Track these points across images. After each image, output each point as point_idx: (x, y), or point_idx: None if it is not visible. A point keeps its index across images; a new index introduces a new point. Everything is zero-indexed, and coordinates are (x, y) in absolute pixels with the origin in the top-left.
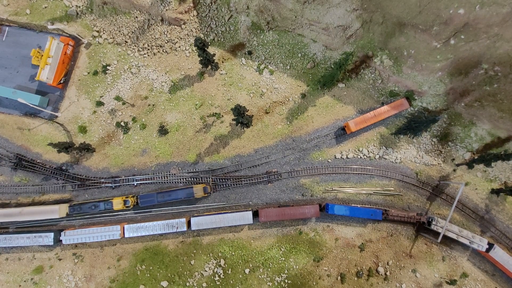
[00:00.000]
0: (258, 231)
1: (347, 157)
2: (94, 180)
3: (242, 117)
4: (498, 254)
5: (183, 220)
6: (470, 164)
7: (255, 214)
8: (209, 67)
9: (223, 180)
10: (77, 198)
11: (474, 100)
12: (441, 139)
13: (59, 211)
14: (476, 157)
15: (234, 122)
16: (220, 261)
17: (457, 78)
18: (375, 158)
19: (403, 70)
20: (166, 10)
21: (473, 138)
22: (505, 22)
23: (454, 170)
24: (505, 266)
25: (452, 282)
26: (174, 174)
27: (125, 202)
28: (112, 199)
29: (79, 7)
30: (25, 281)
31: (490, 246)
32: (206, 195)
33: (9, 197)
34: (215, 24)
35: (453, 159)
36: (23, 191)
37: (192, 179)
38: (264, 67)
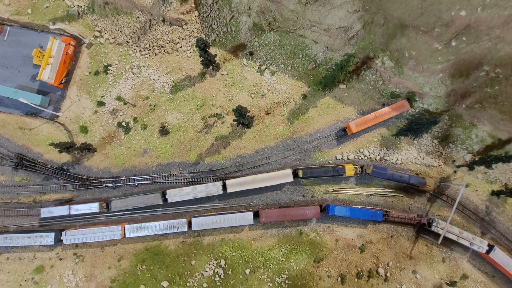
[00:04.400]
0: (259, 231)
1: (348, 158)
2: (95, 180)
3: (243, 117)
4: (498, 255)
5: (184, 220)
6: (470, 166)
7: (256, 215)
8: (211, 67)
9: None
10: (77, 198)
11: (475, 102)
12: (442, 140)
13: (291, 175)
14: (476, 159)
15: (235, 122)
16: (220, 262)
17: (458, 80)
18: (376, 159)
19: (404, 71)
20: (168, 10)
21: (474, 140)
22: (507, 24)
23: (455, 172)
24: (505, 267)
25: (452, 283)
26: (175, 174)
27: (355, 169)
28: (345, 165)
29: (81, 7)
30: (25, 280)
31: (490, 247)
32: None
33: (10, 196)
34: (217, 24)
35: (454, 161)
36: (24, 190)
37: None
38: (265, 68)
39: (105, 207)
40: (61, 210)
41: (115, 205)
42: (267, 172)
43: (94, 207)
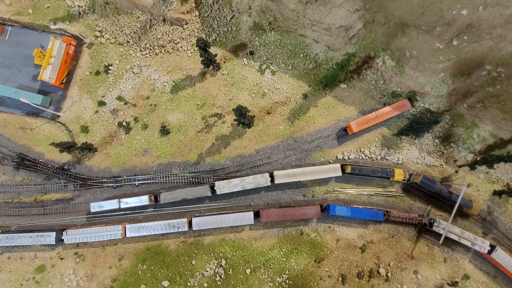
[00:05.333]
0: (259, 231)
1: (348, 158)
2: (96, 179)
3: (243, 117)
4: (500, 256)
5: (185, 220)
6: (472, 166)
7: (256, 215)
8: (211, 67)
9: None
10: (78, 198)
11: (476, 101)
12: (443, 140)
13: (339, 169)
14: (478, 159)
15: (236, 122)
16: (221, 261)
17: (460, 79)
18: (376, 159)
19: (406, 71)
20: (168, 10)
21: (475, 140)
22: (509, 24)
23: (456, 172)
24: (507, 268)
25: (454, 283)
26: (176, 174)
27: (404, 175)
28: (395, 169)
29: (82, 7)
30: (27, 280)
31: (492, 248)
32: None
33: (11, 196)
34: (217, 24)
35: (455, 161)
36: (25, 190)
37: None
38: (266, 68)
39: (153, 200)
40: (111, 204)
41: (164, 197)
42: (316, 165)
43: (144, 200)
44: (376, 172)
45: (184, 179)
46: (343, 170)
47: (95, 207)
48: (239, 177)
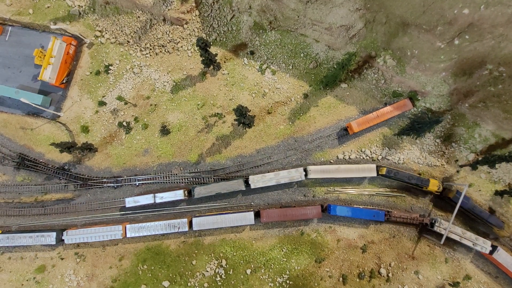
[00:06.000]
0: (260, 231)
1: (349, 158)
2: (96, 179)
3: (244, 117)
4: (502, 256)
5: (185, 220)
6: (473, 166)
7: (257, 215)
8: (211, 67)
9: None
10: (79, 198)
11: (478, 101)
12: (445, 140)
13: (375, 170)
14: (480, 158)
15: (236, 122)
16: (221, 262)
17: (461, 79)
18: (377, 159)
19: (407, 70)
20: (168, 10)
21: (477, 139)
22: (510, 22)
23: (458, 171)
24: (508, 268)
25: (455, 284)
26: (176, 174)
27: (439, 186)
28: (431, 179)
29: (82, 6)
30: (27, 280)
31: (494, 248)
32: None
33: (12, 196)
34: (217, 24)
35: (457, 160)
36: (26, 190)
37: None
38: (266, 67)
39: (187, 195)
40: (146, 199)
41: (199, 192)
42: (351, 163)
43: (179, 194)
44: (411, 178)
45: (185, 179)
46: (377, 172)
47: (130, 202)
48: (239, 177)
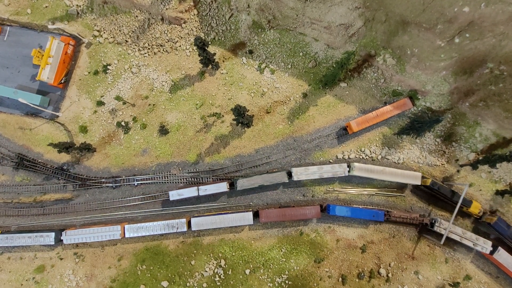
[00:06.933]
0: (259, 231)
1: (349, 158)
2: (95, 180)
3: (242, 117)
4: (503, 256)
5: (184, 220)
6: (474, 165)
7: (256, 215)
8: (210, 66)
9: None
10: (77, 198)
11: (479, 100)
12: (445, 139)
13: (419, 179)
14: (480, 158)
15: (235, 122)
16: (220, 262)
17: (462, 77)
18: (377, 158)
19: (407, 69)
20: (166, 9)
21: (477, 139)
22: (511, 21)
23: (458, 171)
24: (509, 268)
25: (455, 284)
26: (175, 174)
27: (480, 211)
28: (474, 201)
29: (80, 6)
30: (27, 280)
31: (494, 248)
32: None
33: (10, 196)
34: (216, 23)
35: (457, 160)
36: (25, 190)
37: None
38: (265, 67)
39: (229, 187)
40: (190, 192)
41: (242, 184)
42: (398, 168)
43: (222, 187)
44: (454, 195)
45: (184, 179)
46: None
47: (174, 195)
48: (241, 177)
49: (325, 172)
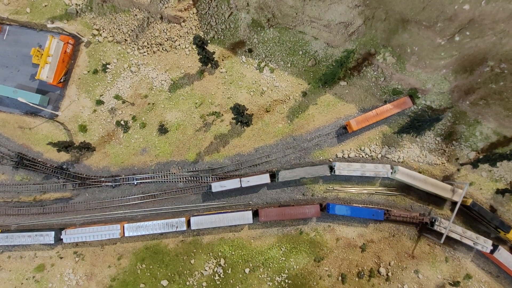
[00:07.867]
0: (258, 230)
1: (348, 156)
2: (95, 179)
3: (241, 116)
4: (503, 255)
5: (183, 219)
6: (474, 164)
7: (255, 214)
8: (209, 65)
9: None
10: (77, 197)
11: (479, 98)
12: (445, 138)
13: (461, 196)
14: (481, 157)
15: (234, 121)
16: (220, 261)
17: (462, 76)
18: (377, 157)
19: (407, 67)
20: (166, 7)
21: (478, 137)
22: None
23: (458, 170)
24: (509, 267)
25: (456, 283)
26: (174, 173)
27: None
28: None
29: (79, 5)
30: (27, 279)
31: (495, 247)
32: None
33: (10, 195)
34: (215, 21)
35: (457, 159)
36: (25, 189)
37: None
38: (265, 65)
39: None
40: (233, 183)
41: (283, 176)
42: (442, 181)
43: (264, 178)
44: (493, 219)
45: (183, 178)
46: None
47: (216, 186)
48: (238, 176)
49: (367, 170)
